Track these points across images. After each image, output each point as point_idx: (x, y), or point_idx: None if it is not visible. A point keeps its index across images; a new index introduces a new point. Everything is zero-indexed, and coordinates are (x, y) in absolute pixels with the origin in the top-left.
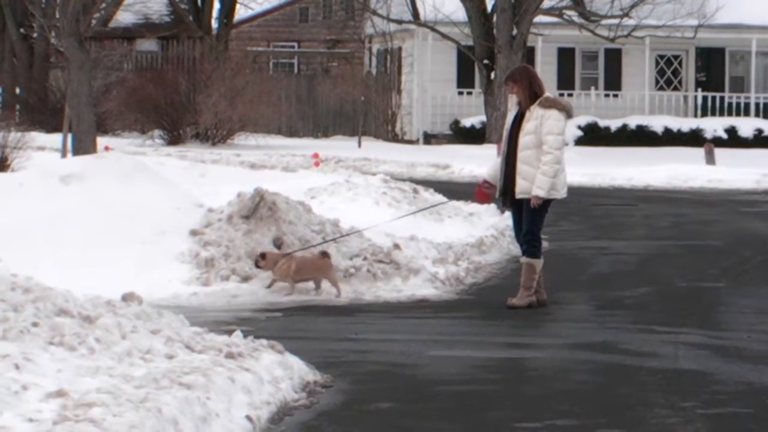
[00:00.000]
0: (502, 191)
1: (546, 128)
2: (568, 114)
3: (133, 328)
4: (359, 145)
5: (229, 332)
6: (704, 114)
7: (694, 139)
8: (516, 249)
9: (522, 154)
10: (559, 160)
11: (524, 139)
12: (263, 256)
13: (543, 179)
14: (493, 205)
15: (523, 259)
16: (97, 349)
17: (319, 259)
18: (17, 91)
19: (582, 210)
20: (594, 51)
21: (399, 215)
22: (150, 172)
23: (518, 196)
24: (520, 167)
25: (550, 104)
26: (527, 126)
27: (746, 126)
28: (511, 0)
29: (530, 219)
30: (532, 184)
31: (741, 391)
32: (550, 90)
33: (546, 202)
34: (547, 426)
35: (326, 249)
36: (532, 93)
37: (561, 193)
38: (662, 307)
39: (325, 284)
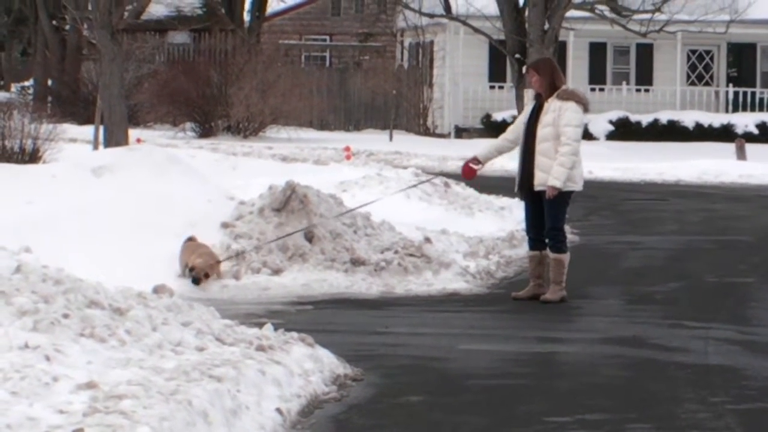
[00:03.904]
0: (520, 184)
1: (564, 120)
2: (586, 107)
3: (164, 320)
4: (391, 138)
5: (260, 325)
6: (735, 109)
7: (725, 134)
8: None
9: (540, 147)
10: (577, 152)
11: (543, 131)
12: None
13: (560, 170)
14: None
15: (551, 255)
16: (127, 341)
17: (200, 247)
18: (49, 83)
19: (613, 204)
20: (626, 46)
21: (426, 208)
22: (182, 164)
23: (537, 188)
24: (539, 159)
25: (568, 96)
26: (545, 118)
27: None
28: None
29: (552, 214)
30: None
31: None
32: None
33: (566, 195)
34: (577, 420)
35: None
36: (552, 85)
37: (578, 186)
38: (692, 302)
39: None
